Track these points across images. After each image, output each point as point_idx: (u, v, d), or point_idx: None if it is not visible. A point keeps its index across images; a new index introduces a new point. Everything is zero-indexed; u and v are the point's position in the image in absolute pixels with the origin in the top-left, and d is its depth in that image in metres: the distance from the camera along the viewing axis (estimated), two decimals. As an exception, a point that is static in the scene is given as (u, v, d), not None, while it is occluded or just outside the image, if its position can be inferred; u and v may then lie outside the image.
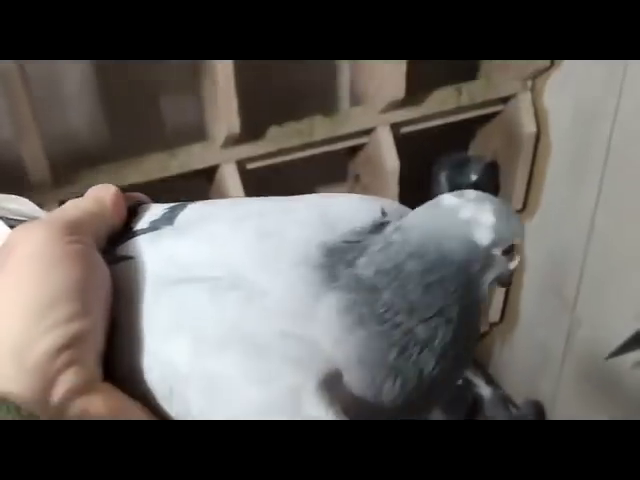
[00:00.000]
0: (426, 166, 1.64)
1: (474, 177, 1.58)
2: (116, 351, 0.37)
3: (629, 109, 1.38)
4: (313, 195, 0.43)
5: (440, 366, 0.37)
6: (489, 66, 1.58)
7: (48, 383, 0.34)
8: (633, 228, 1.44)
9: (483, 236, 0.39)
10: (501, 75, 1.53)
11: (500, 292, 1.73)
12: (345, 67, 1.51)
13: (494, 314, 1.76)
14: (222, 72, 1.19)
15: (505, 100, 1.55)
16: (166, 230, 0.40)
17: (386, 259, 0.37)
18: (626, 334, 1.40)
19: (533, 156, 1.57)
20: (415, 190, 1.56)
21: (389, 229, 0.39)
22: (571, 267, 1.59)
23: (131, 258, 0.39)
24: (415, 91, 1.40)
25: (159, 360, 0.36)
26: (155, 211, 0.42)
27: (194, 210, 0.42)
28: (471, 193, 0.40)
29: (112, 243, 0.41)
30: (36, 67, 1.17)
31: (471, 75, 1.58)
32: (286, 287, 0.36)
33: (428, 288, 0.37)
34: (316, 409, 0.34)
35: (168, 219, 0.41)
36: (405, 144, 1.46)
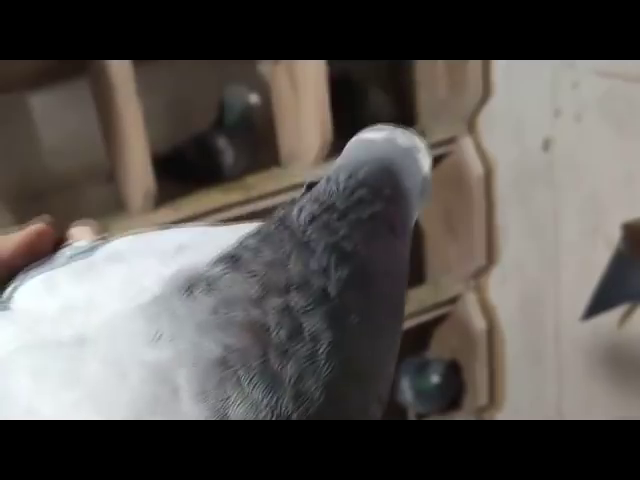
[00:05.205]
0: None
1: (436, 379, 1.60)
2: None
3: (569, 290, 1.44)
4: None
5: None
6: (433, 270, 1.65)
7: None
8: (599, 410, 1.45)
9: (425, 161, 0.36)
10: (445, 277, 1.59)
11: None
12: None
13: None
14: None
15: (453, 301, 1.60)
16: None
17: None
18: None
19: (489, 352, 1.60)
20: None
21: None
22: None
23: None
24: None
25: None
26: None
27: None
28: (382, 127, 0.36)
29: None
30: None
31: (417, 280, 1.65)
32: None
33: None
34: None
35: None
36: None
